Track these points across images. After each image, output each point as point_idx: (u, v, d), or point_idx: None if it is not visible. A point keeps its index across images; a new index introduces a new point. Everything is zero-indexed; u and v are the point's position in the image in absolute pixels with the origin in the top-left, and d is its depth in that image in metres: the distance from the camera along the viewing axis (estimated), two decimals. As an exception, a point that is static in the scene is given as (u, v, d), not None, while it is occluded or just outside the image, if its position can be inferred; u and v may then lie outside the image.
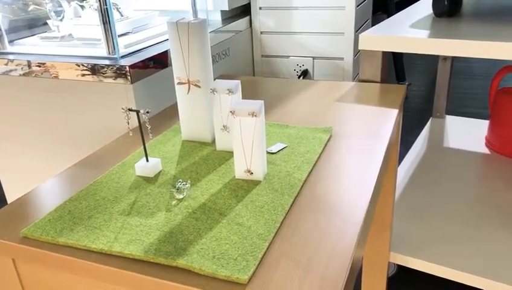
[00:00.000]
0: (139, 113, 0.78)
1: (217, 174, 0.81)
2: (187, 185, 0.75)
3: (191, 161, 0.87)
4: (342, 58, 1.53)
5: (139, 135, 0.94)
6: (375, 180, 0.78)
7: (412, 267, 1.39)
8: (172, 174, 0.82)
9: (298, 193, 0.75)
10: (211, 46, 1.31)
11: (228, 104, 0.85)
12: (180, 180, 0.77)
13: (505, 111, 2.01)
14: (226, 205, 0.72)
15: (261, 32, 1.62)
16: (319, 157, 0.86)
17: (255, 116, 0.73)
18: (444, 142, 2.16)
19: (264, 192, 0.75)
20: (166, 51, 1.17)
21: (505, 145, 1.99)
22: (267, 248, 0.62)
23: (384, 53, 1.27)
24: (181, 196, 0.74)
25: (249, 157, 0.77)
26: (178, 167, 0.85)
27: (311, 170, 0.82)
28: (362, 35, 1.23)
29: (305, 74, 1.58)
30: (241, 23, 1.58)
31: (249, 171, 0.78)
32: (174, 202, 0.73)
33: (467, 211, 1.58)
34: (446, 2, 1.36)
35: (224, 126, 0.88)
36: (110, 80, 1.09)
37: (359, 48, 1.25)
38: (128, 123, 0.79)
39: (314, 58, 1.58)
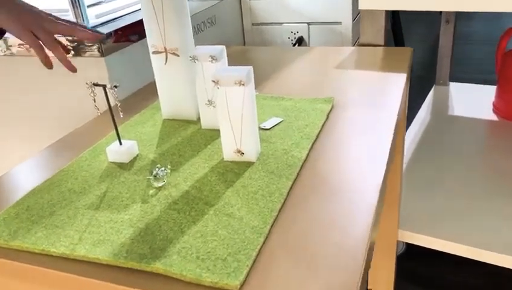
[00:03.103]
0: (106, 89, 0.66)
1: (202, 157, 0.70)
2: (166, 171, 0.63)
3: (172, 142, 0.75)
4: (339, 23, 1.40)
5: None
6: (387, 156, 0.67)
7: (421, 245, 1.30)
8: (151, 159, 0.71)
9: (298, 174, 0.63)
10: (195, 14, 1.18)
11: (212, 73, 0.73)
12: (159, 165, 0.65)
13: (514, 74, 1.89)
14: (213, 193, 0.60)
15: (250, -2, 1.48)
16: (320, 131, 0.75)
17: (243, 85, 0.61)
18: (450, 111, 2.05)
19: (257, 175, 0.63)
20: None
21: (515, 110, 1.88)
22: (263, 244, 0.51)
23: (387, 13, 1.14)
24: (160, 184, 0.63)
25: (238, 135, 0.65)
26: (158, 150, 0.73)
27: (312, 147, 0.70)
28: (362, -6, 1.10)
29: (300, 41, 1.45)
30: (228, -11, 1.44)
31: (239, 151, 0.66)
32: (151, 192, 0.62)
33: (476, 183, 1.48)
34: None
35: (209, 100, 0.76)
36: (80, 55, 0.96)
37: (359, 8, 1.13)
38: (94, 101, 0.67)
39: (309, 24, 1.45)
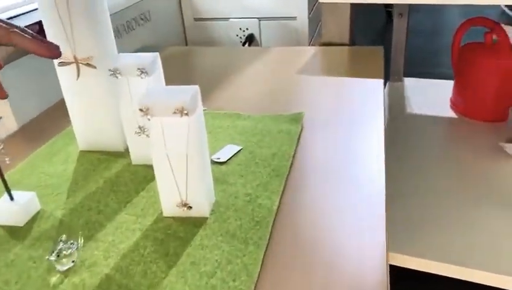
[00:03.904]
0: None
1: (132, 211, 0.49)
2: (75, 247, 0.42)
3: (90, 188, 0.54)
4: (294, 18, 1.24)
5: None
6: (384, 199, 0.50)
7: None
8: (58, 218, 0.49)
9: (270, 236, 0.45)
10: (123, 10, 0.96)
11: (142, 91, 0.52)
12: (63, 238, 0.44)
13: (471, 69, 1.82)
14: (147, 278, 0.41)
15: (191, -10, 1.28)
16: (292, 163, 0.57)
17: (186, 114, 0.42)
18: (407, 108, 1.95)
19: (213, 241, 0.44)
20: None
21: (473, 107, 1.81)
22: None
23: (353, 7, 0.98)
24: (66, 267, 0.42)
25: (183, 183, 0.46)
26: (69, 202, 0.52)
27: (285, 188, 0.52)
28: (323, -16, 0.93)
29: (250, 39, 1.27)
30: (164, -21, 1.23)
31: (185, 204, 0.47)
32: (54, 279, 0.41)
33: (439, 188, 1.36)
34: None
35: (140, 128, 0.55)
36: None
37: (320, 1, 0.96)
38: (-35, 140, 0.45)
39: (260, 19, 1.26)
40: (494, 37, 1.55)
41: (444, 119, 1.87)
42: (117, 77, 0.52)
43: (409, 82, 2.27)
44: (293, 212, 0.48)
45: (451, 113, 1.94)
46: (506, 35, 1.53)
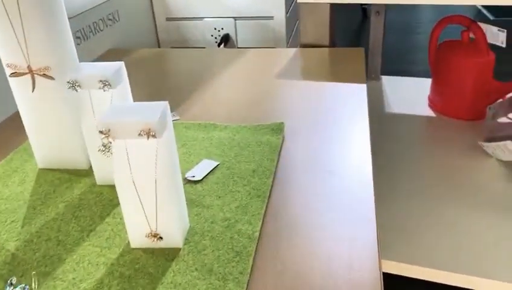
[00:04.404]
0: None
1: (96, 242, 0.44)
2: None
3: (49, 213, 0.48)
4: (271, 17, 1.19)
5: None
6: (374, 212, 0.46)
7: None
8: (11, 252, 0.43)
9: (252, 268, 0.40)
10: (90, 10, 0.89)
11: (105, 105, 0.47)
12: (13, 280, 0.38)
13: (449, 67, 1.81)
14: (112, 324, 0.35)
15: (163, -12, 1.21)
16: (273, 180, 0.52)
17: (153, 136, 0.36)
18: (386, 108, 1.93)
19: (187, 278, 0.39)
20: None
21: (451, 105, 1.80)
22: None
23: (332, 7, 0.94)
24: (16, 316, 0.36)
25: (151, 211, 0.41)
26: (24, 232, 0.46)
27: (266, 210, 0.47)
28: (302, -17, 0.89)
29: (226, 39, 1.22)
30: (134, -24, 1.16)
31: (155, 235, 0.42)
32: (2, 330, 0.35)
33: (419, 189, 1.34)
34: None
35: (104, 145, 0.50)
36: None
37: (298, 1, 0.91)
38: None
39: (235, 18, 1.21)
40: (471, 35, 1.54)
41: (422, 118, 1.86)
42: (76, 90, 0.46)
43: (387, 80, 2.26)
44: (276, 238, 0.43)
45: (430, 112, 1.93)
46: (483, 34, 1.52)
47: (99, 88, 0.46)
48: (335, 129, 0.62)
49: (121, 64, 0.48)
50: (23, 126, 0.55)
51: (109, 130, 0.36)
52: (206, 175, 0.53)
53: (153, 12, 1.26)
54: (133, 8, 1.16)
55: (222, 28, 1.23)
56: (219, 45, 1.21)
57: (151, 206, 0.40)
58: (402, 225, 1.12)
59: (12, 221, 0.48)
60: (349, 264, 0.40)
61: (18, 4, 0.46)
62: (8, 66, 0.50)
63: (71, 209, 0.49)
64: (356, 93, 0.72)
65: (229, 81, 0.80)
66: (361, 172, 0.52)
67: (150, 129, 0.36)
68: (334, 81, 0.77)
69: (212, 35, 1.24)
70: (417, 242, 0.98)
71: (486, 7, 3.36)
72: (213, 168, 0.54)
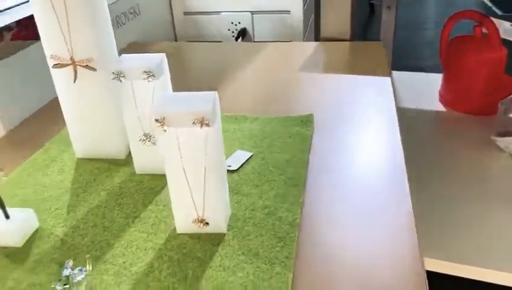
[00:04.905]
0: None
1: (142, 228, 0.45)
2: (83, 273, 0.38)
3: (92, 200, 0.50)
4: (288, 12, 1.20)
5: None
6: (410, 203, 0.47)
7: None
8: (60, 237, 0.45)
9: (296, 255, 0.42)
10: (113, 3, 0.91)
11: (148, 95, 0.48)
12: (70, 263, 0.40)
13: (461, 62, 1.81)
14: (167, 305, 0.37)
15: (180, -18, 1.22)
16: (307, 169, 0.53)
17: (207, 124, 0.38)
18: (396, 102, 1.94)
19: (234, 261, 0.41)
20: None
21: (462, 100, 1.81)
22: None
23: (354, 0, 0.95)
24: (75, 296, 0.38)
25: (199, 198, 0.42)
26: (70, 218, 0.47)
27: (304, 198, 0.49)
28: (323, -23, 0.90)
29: (243, 34, 1.23)
30: (152, -29, 1.17)
31: (201, 221, 0.43)
32: (62, 310, 0.37)
33: (433, 184, 1.35)
34: None
35: (145, 135, 0.51)
36: None
37: (320, -5, 0.92)
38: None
39: (252, 12, 1.22)
40: (484, 30, 1.54)
41: (433, 113, 1.87)
42: (121, 81, 0.47)
43: (397, 76, 2.26)
44: (315, 225, 0.45)
45: (441, 107, 1.93)
46: (496, 29, 1.53)
47: (143, 79, 0.47)
48: (363, 121, 0.64)
49: (162, 56, 0.49)
50: (56, 116, 0.56)
51: (164, 119, 0.38)
52: (242, 165, 0.54)
53: (171, 7, 1.27)
54: (152, 2, 1.17)
55: (239, 22, 1.24)
56: (236, 39, 1.22)
57: (199, 192, 0.41)
58: (419, 220, 1.13)
59: (57, 208, 0.49)
60: (392, 254, 0.41)
61: (63, -4, 0.48)
62: (51, 57, 0.51)
63: (113, 197, 0.50)
64: (381, 86, 0.73)
65: (252, 75, 0.81)
66: (393, 161, 0.54)
67: (203, 118, 0.37)
68: (357, 74, 0.78)
69: (229, 30, 1.25)
70: (444, 238, 0.98)
71: (494, 2, 3.35)
72: (247, 159, 0.55)
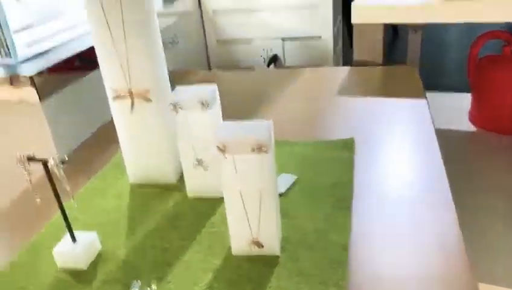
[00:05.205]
0: (49, 165, 0.42)
1: (198, 249, 0.48)
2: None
3: (149, 224, 0.53)
4: (318, 37, 1.23)
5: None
6: (457, 225, 0.48)
7: None
8: (121, 259, 0.48)
9: (349, 276, 0.43)
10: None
11: (202, 124, 0.51)
12: (138, 282, 0.43)
13: (491, 82, 1.81)
14: (230, 323, 0.39)
15: (214, 12, 1.28)
16: (353, 191, 0.55)
17: (264, 151, 0.40)
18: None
19: (289, 282, 0.42)
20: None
21: (494, 120, 1.79)
22: None
23: (385, 26, 0.98)
24: (144, 314, 0.40)
25: (255, 221, 0.44)
26: (129, 241, 0.50)
27: (352, 220, 0.50)
28: (356, 5, 0.93)
29: (274, 60, 1.27)
30: (188, 2, 1.23)
31: (257, 243, 0.45)
32: (131, 327, 0.39)
33: (473, 205, 1.33)
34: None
35: (198, 160, 0.54)
36: (7, 98, 0.71)
37: (352, 22, 0.95)
38: (30, 181, 0.44)
39: (283, 39, 1.26)
40: (512, 50, 1.54)
41: (464, 132, 1.85)
42: (177, 111, 0.51)
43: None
44: (364, 246, 0.46)
45: (471, 127, 1.92)
46: (526, 48, 1.52)
47: (198, 109, 0.50)
48: (403, 143, 0.65)
49: (215, 87, 0.52)
50: (106, 143, 0.60)
51: (225, 146, 0.41)
52: (288, 188, 0.56)
53: (205, 35, 1.32)
54: (187, 31, 1.23)
55: (271, 49, 1.28)
56: (268, 65, 1.26)
57: (255, 215, 0.44)
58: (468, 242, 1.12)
59: (116, 230, 0.52)
60: (444, 276, 0.42)
61: (124, 30, 0.52)
62: (111, 89, 0.55)
63: (169, 219, 0.53)
64: (417, 108, 0.75)
65: (287, 100, 0.84)
66: (437, 182, 0.55)
67: (261, 145, 0.40)
68: (392, 97, 0.80)
69: (261, 56, 1.29)
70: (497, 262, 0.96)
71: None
72: (293, 182, 0.57)
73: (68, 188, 0.43)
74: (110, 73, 0.54)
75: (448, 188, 0.54)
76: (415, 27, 2.17)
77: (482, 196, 1.31)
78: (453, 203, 0.52)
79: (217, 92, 0.53)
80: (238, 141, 0.40)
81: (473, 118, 1.95)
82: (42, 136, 0.69)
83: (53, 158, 0.42)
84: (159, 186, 0.60)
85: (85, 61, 0.80)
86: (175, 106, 0.50)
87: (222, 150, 0.41)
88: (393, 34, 3.48)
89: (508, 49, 1.56)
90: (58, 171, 0.42)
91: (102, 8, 0.51)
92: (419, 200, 0.53)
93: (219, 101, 0.53)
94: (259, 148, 0.40)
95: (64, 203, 0.46)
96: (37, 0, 0.95)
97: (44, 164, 0.42)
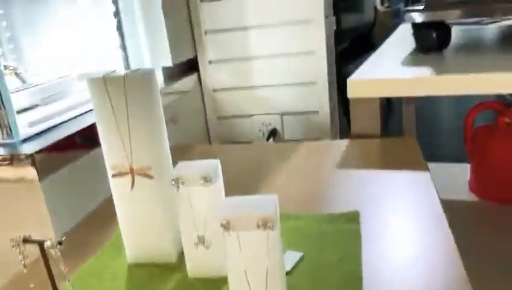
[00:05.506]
0: (45, 247, 0.41)
1: (201, 335, 0.45)
2: None
3: (148, 308, 0.50)
4: (316, 112, 1.26)
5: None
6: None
7: None
8: None
9: None
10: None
11: (204, 199, 0.50)
12: None
13: (488, 152, 1.82)
14: None
15: (214, 90, 1.31)
16: (361, 266, 0.53)
17: (270, 228, 0.39)
18: (427, 194, 1.92)
19: None
20: (94, 124, 0.81)
21: (493, 189, 1.78)
22: None
23: (382, 99, 1.01)
24: None
25: (261, 302, 0.42)
26: (127, 327, 0.47)
27: (362, 299, 0.48)
28: (351, 81, 0.96)
29: (274, 134, 1.29)
30: (189, 81, 1.27)
31: (263, 326, 0.42)
32: None
33: (477, 276, 1.29)
34: (434, 36, 1.14)
35: (199, 238, 0.52)
36: (7, 177, 0.71)
37: (349, 96, 0.98)
38: (24, 265, 0.42)
39: (282, 114, 1.29)
40: (507, 119, 1.57)
41: (465, 203, 1.83)
42: (179, 187, 0.50)
43: (425, 167, 2.25)
44: (379, 328, 0.43)
45: (472, 197, 1.90)
46: (520, 117, 1.55)
47: (200, 184, 0.49)
48: (408, 215, 0.64)
49: (217, 162, 0.52)
50: (103, 222, 0.58)
51: (229, 223, 0.39)
52: (294, 266, 0.54)
53: (205, 113, 1.35)
54: (188, 109, 1.26)
55: (269, 124, 1.30)
56: (267, 139, 1.28)
57: (261, 297, 0.41)
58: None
59: (113, 316, 0.49)
60: None
61: (127, 108, 0.52)
62: (112, 167, 0.55)
63: (168, 303, 0.50)
64: (420, 180, 0.74)
65: (287, 174, 0.83)
66: (446, 254, 0.53)
67: (267, 221, 0.39)
68: (394, 169, 0.80)
69: (260, 130, 1.31)
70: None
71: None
72: (299, 259, 0.55)
73: (64, 270, 0.41)
74: (111, 149, 0.54)
75: (462, 265, 0.52)
76: (408, 99, 2.23)
77: (484, 265, 1.26)
78: (468, 282, 0.49)
79: (220, 167, 0.52)
80: (242, 217, 0.39)
81: (473, 188, 1.94)
82: (40, 215, 0.68)
83: (50, 240, 0.40)
84: (158, 266, 0.57)
85: (85, 139, 0.81)
86: (176, 182, 0.50)
87: (226, 226, 0.39)
88: (388, 107, 3.58)
89: (502, 119, 1.59)
90: (54, 253, 0.40)
91: (107, 92, 0.52)
92: (429, 272, 0.50)
93: (221, 176, 0.52)
94: (264, 225, 0.39)
95: (60, 286, 0.43)
96: (43, 81, 0.99)
97: (41, 245, 0.40)
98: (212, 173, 0.49)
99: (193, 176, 0.49)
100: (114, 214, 0.58)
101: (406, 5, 1.50)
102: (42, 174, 0.67)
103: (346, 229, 0.60)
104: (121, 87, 0.52)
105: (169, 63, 1.16)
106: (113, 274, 0.57)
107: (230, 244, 0.41)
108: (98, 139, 0.55)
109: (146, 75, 0.53)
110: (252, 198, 0.42)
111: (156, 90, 0.55)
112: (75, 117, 0.87)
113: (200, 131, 1.35)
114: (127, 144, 0.53)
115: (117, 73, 0.54)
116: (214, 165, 0.51)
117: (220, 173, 0.52)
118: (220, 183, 0.52)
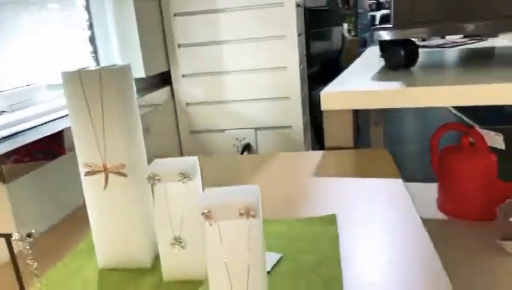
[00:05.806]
0: (11, 240, 0.38)
1: (178, 337, 0.42)
2: None
3: (121, 311, 0.47)
4: (289, 127, 1.27)
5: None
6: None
7: None
8: None
9: None
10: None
11: (182, 197, 0.49)
12: None
13: (453, 171, 1.87)
14: None
15: (187, 104, 1.30)
16: (341, 268, 0.52)
17: (252, 216, 0.38)
18: (396, 212, 1.95)
19: None
20: (62, 130, 0.78)
21: (460, 207, 1.82)
22: None
23: (354, 111, 1.02)
24: None
25: (242, 297, 0.40)
26: (98, 331, 0.44)
27: (343, 297, 0.47)
28: (324, 94, 0.97)
29: (248, 148, 1.28)
30: (161, 94, 1.26)
31: (244, 323, 0.40)
32: None
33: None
34: (403, 54, 1.18)
35: (176, 238, 0.50)
36: (-32, 182, 0.67)
37: (322, 109, 0.99)
38: (-13, 261, 0.39)
39: (256, 129, 1.29)
40: (471, 139, 1.63)
41: (433, 221, 1.86)
42: (155, 184, 0.48)
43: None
44: (362, 324, 0.42)
45: (441, 215, 1.94)
46: (483, 137, 1.61)
47: (178, 180, 0.48)
48: (384, 219, 0.64)
49: (195, 159, 0.51)
50: (83, 223, 0.55)
51: (210, 213, 0.38)
52: (273, 267, 0.53)
53: (178, 127, 1.33)
54: (160, 123, 1.24)
55: (243, 138, 1.30)
56: (242, 153, 1.27)
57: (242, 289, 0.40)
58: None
59: (82, 321, 0.46)
60: None
61: (102, 102, 0.51)
62: (84, 165, 0.52)
63: (143, 306, 0.47)
64: (394, 186, 0.75)
65: (264, 183, 0.83)
66: (425, 257, 0.53)
67: (249, 209, 0.38)
68: (369, 177, 0.81)
69: (234, 145, 1.30)
70: None
71: (468, 116, 3.56)
72: (278, 260, 0.54)
73: (32, 265, 0.38)
74: (83, 146, 0.52)
75: (441, 265, 0.52)
76: (376, 120, 2.28)
77: (456, 283, 1.27)
78: (449, 281, 0.49)
79: (198, 164, 0.51)
80: (224, 206, 0.38)
81: (441, 206, 1.98)
82: (4, 220, 0.64)
83: (18, 232, 0.38)
84: (130, 270, 0.54)
85: (55, 144, 0.78)
86: (152, 179, 0.48)
87: (207, 216, 0.38)
88: (357, 130, 3.65)
89: (466, 139, 1.64)
90: (23, 246, 0.37)
91: (82, 87, 0.50)
92: (408, 275, 0.50)
93: (199, 173, 0.51)
94: (247, 213, 0.38)
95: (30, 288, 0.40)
96: (9, 90, 0.95)
97: (8, 239, 0.38)
98: (190, 169, 0.48)
99: (170, 172, 0.48)
100: (86, 220, 0.55)
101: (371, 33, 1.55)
102: (8, 176, 0.64)
103: (324, 231, 0.60)
104: (97, 82, 0.50)
105: (142, 74, 1.14)
106: (82, 280, 0.54)
107: (210, 237, 0.39)
108: (69, 145, 0.53)
109: (122, 70, 0.52)
110: (234, 188, 0.41)
111: (131, 86, 0.54)
112: (44, 124, 0.84)
113: (173, 145, 1.33)
114: (100, 140, 0.52)
115: (92, 68, 0.52)
116: (191, 161, 0.50)
117: (199, 170, 0.51)
118: (198, 181, 0.50)
